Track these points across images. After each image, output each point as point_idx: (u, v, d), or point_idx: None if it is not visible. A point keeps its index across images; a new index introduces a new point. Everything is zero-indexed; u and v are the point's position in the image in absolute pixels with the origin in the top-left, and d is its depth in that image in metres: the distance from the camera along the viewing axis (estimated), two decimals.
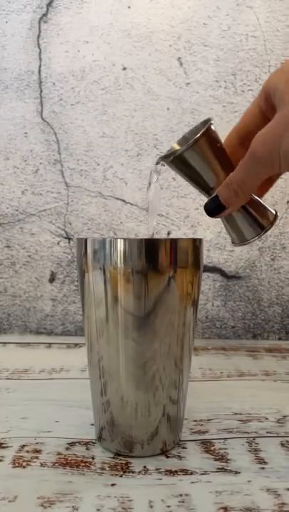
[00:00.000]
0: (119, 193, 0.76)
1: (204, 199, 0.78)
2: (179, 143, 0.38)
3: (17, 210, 0.77)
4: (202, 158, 0.34)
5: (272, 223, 0.36)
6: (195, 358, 0.63)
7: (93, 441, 0.38)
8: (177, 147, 0.38)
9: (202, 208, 0.76)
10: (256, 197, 0.36)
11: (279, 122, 0.30)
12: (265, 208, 0.36)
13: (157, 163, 0.38)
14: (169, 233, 0.76)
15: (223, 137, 0.37)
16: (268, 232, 0.76)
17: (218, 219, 0.37)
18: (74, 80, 0.76)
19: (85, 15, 0.75)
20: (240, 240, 0.37)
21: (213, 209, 0.34)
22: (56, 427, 0.41)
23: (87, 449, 0.37)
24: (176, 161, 0.35)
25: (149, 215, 0.40)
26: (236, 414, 0.44)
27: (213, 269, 0.77)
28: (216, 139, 0.35)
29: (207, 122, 0.34)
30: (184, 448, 0.37)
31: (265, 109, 0.34)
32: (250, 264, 0.77)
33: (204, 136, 0.33)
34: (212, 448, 0.37)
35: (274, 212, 0.37)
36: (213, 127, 0.34)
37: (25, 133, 0.76)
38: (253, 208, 0.36)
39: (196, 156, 0.34)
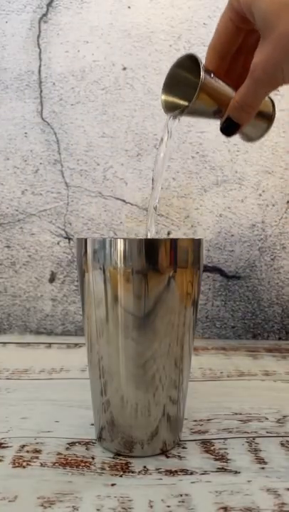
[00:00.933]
0: (119, 193, 0.76)
1: (204, 199, 0.77)
2: (168, 89, 0.41)
3: (17, 210, 0.77)
4: (207, 97, 0.37)
5: (274, 110, 0.41)
6: (195, 358, 0.63)
7: (93, 441, 0.38)
8: (168, 98, 0.41)
9: (202, 207, 0.76)
10: None
11: (275, 48, 0.32)
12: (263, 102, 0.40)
13: (174, 117, 0.40)
14: (169, 233, 0.76)
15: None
16: (268, 232, 0.76)
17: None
18: (74, 80, 0.76)
19: (85, 15, 0.75)
20: (258, 135, 0.42)
21: (231, 130, 0.38)
22: (56, 427, 0.41)
23: (87, 449, 0.37)
24: (187, 112, 0.38)
25: (153, 183, 0.41)
26: (236, 414, 0.44)
27: (213, 269, 0.77)
28: (210, 73, 0.37)
29: (195, 61, 0.36)
30: (184, 448, 0.37)
31: (238, 21, 0.35)
32: (250, 264, 0.77)
33: (204, 81, 0.35)
34: (212, 448, 0.37)
35: (270, 100, 0.41)
36: (204, 66, 0.36)
37: (25, 133, 0.76)
38: None
39: (201, 100, 0.37)
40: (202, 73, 0.35)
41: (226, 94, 0.37)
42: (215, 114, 0.38)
